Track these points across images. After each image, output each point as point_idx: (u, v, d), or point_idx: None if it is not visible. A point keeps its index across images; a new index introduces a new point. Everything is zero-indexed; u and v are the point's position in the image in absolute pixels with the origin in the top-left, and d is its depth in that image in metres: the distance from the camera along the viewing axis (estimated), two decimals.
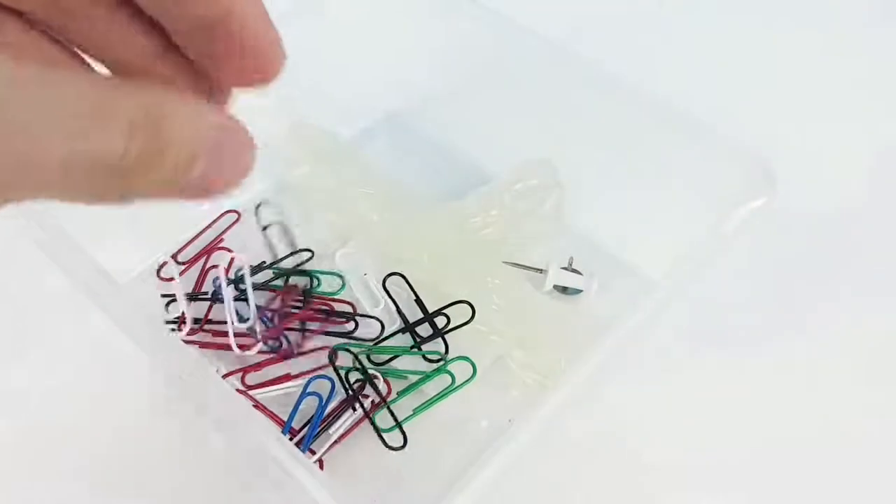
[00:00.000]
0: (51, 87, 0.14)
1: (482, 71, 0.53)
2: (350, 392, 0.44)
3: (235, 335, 0.44)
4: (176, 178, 0.15)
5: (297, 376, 0.44)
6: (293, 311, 0.47)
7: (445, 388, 0.45)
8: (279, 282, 0.48)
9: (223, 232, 0.51)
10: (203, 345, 0.45)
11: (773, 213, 0.39)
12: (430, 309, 0.47)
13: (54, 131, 0.13)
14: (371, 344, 0.46)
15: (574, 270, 0.50)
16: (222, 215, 0.51)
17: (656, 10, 0.69)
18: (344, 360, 0.45)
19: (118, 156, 0.14)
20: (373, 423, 0.43)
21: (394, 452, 0.42)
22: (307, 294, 0.47)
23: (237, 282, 0.46)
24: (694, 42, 0.66)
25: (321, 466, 0.42)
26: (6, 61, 0.13)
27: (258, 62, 0.17)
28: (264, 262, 0.49)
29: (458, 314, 0.47)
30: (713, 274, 0.46)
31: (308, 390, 0.44)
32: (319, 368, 0.45)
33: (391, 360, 0.45)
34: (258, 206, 0.50)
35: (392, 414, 0.43)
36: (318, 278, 0.48)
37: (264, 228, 0.50)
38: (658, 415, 0.47)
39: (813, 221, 0.54)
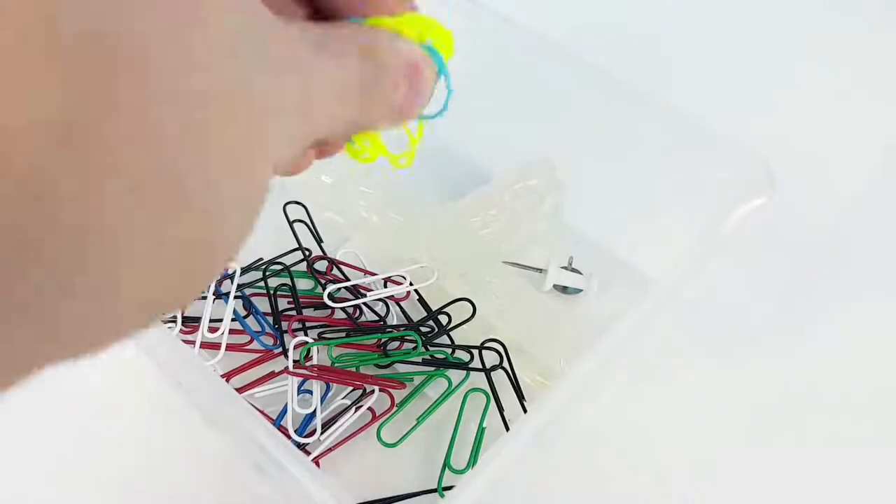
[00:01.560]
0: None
1: (482, 71, 0.53)
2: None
3: (231, 333, 0.44)
4: (387, 101, 0.18)
5: (297, 375, 0.44)
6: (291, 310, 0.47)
7: (445, 391, 0.45)
8: (281, 280, 0.48)
9: None
10: (204, 345, 0.45)
11: (773, 212, 0.39)
12: (432, 308, 0.47)
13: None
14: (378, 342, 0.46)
15: (574, 270, 0.50)
16: None
17: (656, 10, 0.69)
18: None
19: (358, 77, 0.16)
20: (378, 436, 0.43)
21: (391, 453, 0.42)
22: (295, 293, 0.47)
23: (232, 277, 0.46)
24: (694, 42, 0.66)
25: (318, 465, 0.42)
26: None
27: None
28: (261, 258, 0.49)
29: (459, 312, 0.47)
30: (713, 273, 0.45)
31: (303, 388, 0.44)
32: (318, 368, 0.44)
33: (390, 364, 0.46)
34: (286, 204, 0.50)
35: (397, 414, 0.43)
36: (316, 279, 0.48)
37: (292, 223, 0.50)
38: (657, 414, 0.47)
39: (813, 221, 0.54)
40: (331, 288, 0.47)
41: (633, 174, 0.46)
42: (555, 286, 0.50)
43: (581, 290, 0.49)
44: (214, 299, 0.46)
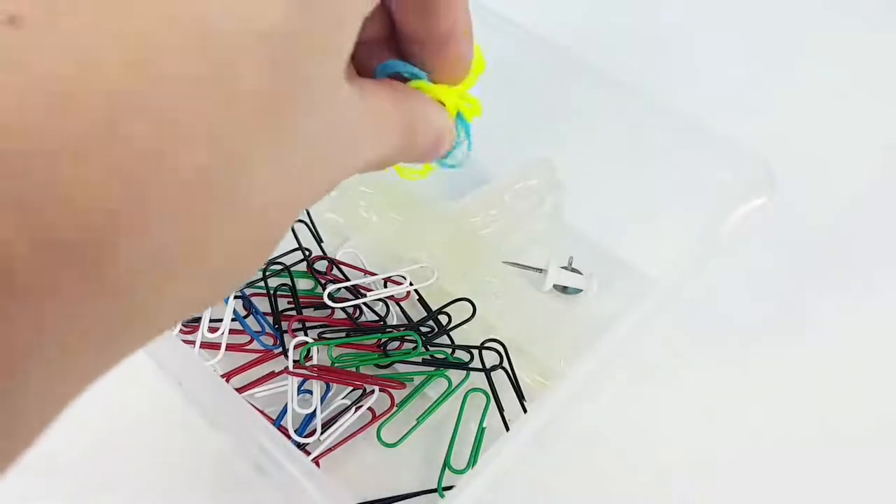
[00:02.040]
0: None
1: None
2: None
3: (231, 333, 0.44)
4: (411, 157, 0.22)
5: (297, 375, 0.44)
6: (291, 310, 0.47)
7: (445, 392, 0.45)
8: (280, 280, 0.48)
9: None
10: (204, 344, 0.45)
11: (773, 212, 0.39)
12: (432, 308, 0.47)
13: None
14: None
15: (574, 270, 0.50)
16: None
17: (656, 10, 0.69)
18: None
19: (396, 150, 0.20)
20: (378, 436, 0.43)
21: (391, 453, 0.42)
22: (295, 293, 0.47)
23: None
24: (694, 42, 0.66)
25: (318, 465, 0.42)
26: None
27: (459, 68, 0.22)
28: None
29: (459, 312, 0.47)
30: (713, 274, 0.45)
31: (303, 388, 0.44)
32: (318, 368, 0.44)
33: (390, 364, 0.46)
34: None
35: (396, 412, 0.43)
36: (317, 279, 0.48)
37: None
38: (657, 414, 0.47)
39: (813, 221, 0.54)
40: (331, 288, 0.47)
41: (633, 174, 0.46)
42: (555, 286, 0.49)
43: (581, 290, 0.49)
44: None
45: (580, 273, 0.50)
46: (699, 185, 0.42)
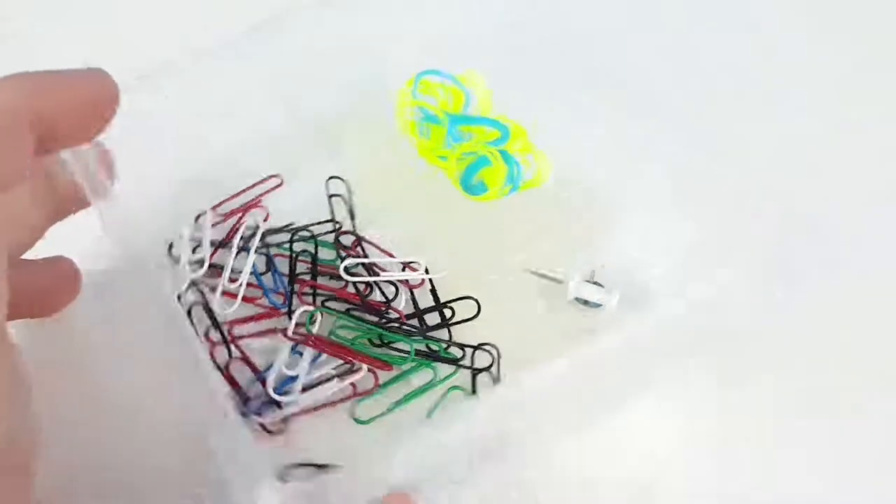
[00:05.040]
0: None
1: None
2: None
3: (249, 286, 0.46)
4: None
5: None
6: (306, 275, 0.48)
7: (428, 383, 0.44)
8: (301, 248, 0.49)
9: (263, 194, 0.52)
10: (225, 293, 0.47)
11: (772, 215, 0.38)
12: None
13: None
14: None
15: (596, 283, 0.48)
16: (265, 180, 0.53)
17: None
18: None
19: None
20: (352, 413, 0.43)
21: (361, 430, 0.42)
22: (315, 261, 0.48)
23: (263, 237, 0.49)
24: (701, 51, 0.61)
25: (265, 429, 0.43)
26: None
27: None
28: (292, 222, 0.51)
29: (466, 310, 0.46)
30: (713, 276, 0.44)
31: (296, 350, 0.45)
32: (315, 337, 0.45)
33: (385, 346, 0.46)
34: (329, 179, 0.52)
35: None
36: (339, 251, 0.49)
37: (330, 197, 0.52)
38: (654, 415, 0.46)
39: (812, 222, 0.50)
40: (348, 261, 0.47)
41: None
42: (576, 299, 0.48)
43: (601, 305, 0.47)
44: (238, 252, 0.48)
45: (602, 286, 0.47)
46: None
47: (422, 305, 0.48)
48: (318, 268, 0.48)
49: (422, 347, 0.46)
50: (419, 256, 0.49)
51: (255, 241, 0.48)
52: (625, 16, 0.58)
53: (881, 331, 0.48)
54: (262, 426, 0.43)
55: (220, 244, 0.49)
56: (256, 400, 0.44)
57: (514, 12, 0.53)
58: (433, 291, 0.48)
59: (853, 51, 0.61)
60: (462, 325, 0.47)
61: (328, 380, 0.44)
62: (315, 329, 0.46)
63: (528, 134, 0.53)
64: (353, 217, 0.52)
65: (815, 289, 0.48)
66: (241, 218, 0.51)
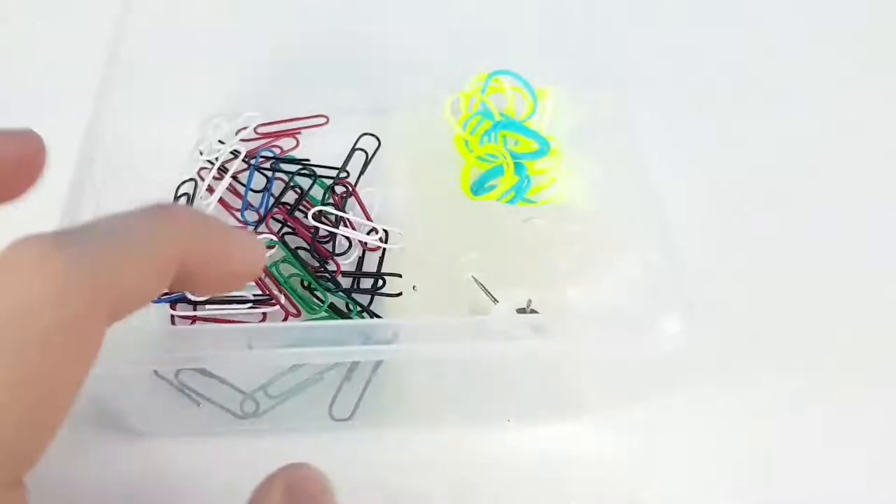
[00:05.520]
0: None
1: None
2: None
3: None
4: None
5: None
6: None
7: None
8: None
9: (304, 128, 0.55)
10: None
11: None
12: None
13: None
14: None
15: (532, 311, 0.43)
16: (314, 116, 0.55)
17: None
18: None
19: None
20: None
21: None
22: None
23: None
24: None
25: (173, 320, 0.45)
26: None
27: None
28: (308, 158, 0.53)
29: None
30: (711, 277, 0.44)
31: None
32: None
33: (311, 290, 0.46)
34: (362, 135, 0.53)
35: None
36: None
37: (353, 151, 0.53)
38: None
39: (812, 222, 0.51)
40: (322, 207, 0.48)
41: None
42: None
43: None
44: (249, 168, 0.51)
45: (537, 314, 0.43)
46: None
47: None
48: (302, 204, 0.50)
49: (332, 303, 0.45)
50: (397, 227, 0.48)
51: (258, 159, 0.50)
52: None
53: (882, 330, 0.46)
54: (172, 317, 0.45)
55: (233, 153, 0.52)
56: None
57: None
58: (380, 260, 0.47)
59: (853, 51, 0.61)
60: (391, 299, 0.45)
61: (244, 301, 0.46)
62: (267, 255, 0.47)
63: (563, 158, 0.49)
64: (361, 173, 0.52)
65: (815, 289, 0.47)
66: (270, 139, 0.54)
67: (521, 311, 0.44)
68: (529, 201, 0.49)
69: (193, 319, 0.45)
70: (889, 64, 0.60)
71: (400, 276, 0.45)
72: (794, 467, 0.42)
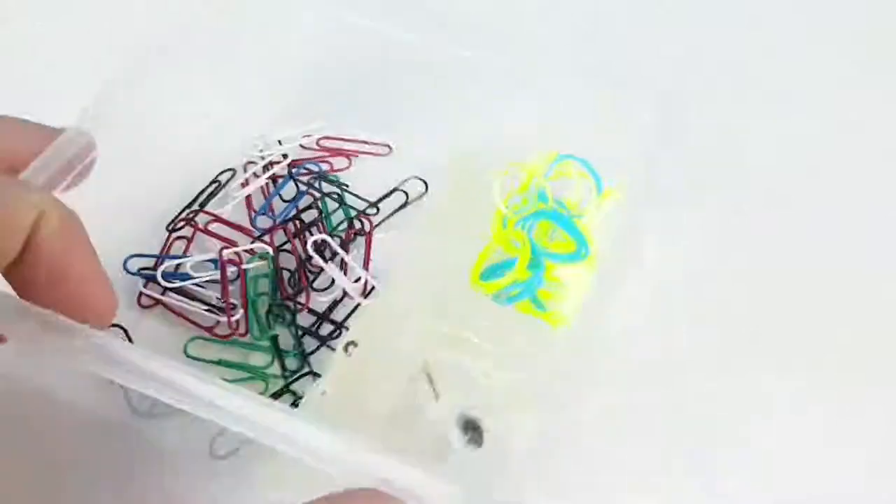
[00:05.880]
0: None
1: None
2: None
3: None
4: None
5: None
6: None
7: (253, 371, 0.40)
8: None
9: (360, 152, 0.52)
10: None
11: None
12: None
13: None
14: None
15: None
16: (379, 144, 0.52)
17: None
18: None
19: None
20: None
21: None
22: None
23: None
24: None
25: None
26: None
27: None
28: (347, 184, 0.50)
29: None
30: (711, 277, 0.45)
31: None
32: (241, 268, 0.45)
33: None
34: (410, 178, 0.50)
35: None
36: None
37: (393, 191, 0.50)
38: None
39: (812, 222, 0.50)
40: (321, 237, 0.45)
41: None
42: None
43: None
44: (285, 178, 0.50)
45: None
46: None
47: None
48: (317, 225, 0.47)
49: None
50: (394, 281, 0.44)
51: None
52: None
53: (882, 330, 0.45)
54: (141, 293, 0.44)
55: (283, 156, 0.51)
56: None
57: None
58: (351, 312, 0.43)
59: (853, 51, 0.60)
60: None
61: (203, 302, 0.43)
62: (253, 265, 0.45)
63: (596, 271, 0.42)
64: (393, 214, 0.48)
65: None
66: (324, 153, 0.52)
67: (469, 425, 0.38)
68: (539, 306, 0.42)
69: (156, 302, 0.44)
70: (889, 64, 0.60)
71: (355, 344, 0.40)
72: (794, 467, 0.40)
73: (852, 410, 0.42)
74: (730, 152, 0.52)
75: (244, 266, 0.44)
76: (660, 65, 0.47)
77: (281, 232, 0.47)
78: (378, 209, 0.48)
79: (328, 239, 0.45)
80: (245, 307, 0.43)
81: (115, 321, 0.41)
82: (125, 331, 0.42)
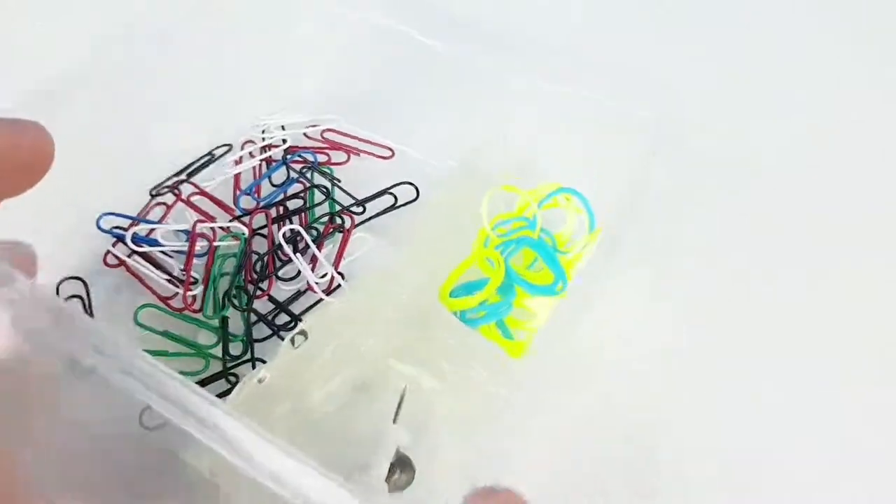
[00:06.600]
0: None
1: None
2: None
3: None
4: None
5: None
6: None
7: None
8: None
9: (362, 151, 0.51)
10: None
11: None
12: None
13: None
14: None
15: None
16: (383, 146, 0.51)
17: None
18: None
19: None
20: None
21: None
22: None
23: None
24: None
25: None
26: None
27: None
28: (340, 179, 0.49)
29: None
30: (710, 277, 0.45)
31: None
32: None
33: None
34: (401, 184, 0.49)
35: None
36: None
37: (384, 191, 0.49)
38: None
39: (812, 222, 0.49)
40: (294, 227, 0.44)
41: None
42: None
43: None
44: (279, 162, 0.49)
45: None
46: None
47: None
48: (301, 212, 0.46)
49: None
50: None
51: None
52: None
53: (882, 330, 0.45)
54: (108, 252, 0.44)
55: (283, 140, 0.50)
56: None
57: None
58: (312, 306, 0.41)
59: (853, 51, 0.60)
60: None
61: (165, 271, 0.43)
62: (225, 244, 0.44)
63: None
64: (378, 216, 0.47)
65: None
66: (325, 145, 0.51)
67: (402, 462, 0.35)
68: (504, 332, 0.40)
69: (121, 263, 0.43)
70: (889, 64, 0.60)
71: (305, 336, 0.38)
72: (794, 467, 0.40)
73: (852, 410, 0.42)
74: (728, 160, 0.51)
75: (216, 243, 0.43)
76: (658, 76, 0.44)
77: (263, 216, 0.46)
78: (364, 208, 0.47)
79: (301, 230, 0.44)
80: (206, 284, 0.42)
81: (77, 274, 0.43)
82: (85, 284, 0.42)
